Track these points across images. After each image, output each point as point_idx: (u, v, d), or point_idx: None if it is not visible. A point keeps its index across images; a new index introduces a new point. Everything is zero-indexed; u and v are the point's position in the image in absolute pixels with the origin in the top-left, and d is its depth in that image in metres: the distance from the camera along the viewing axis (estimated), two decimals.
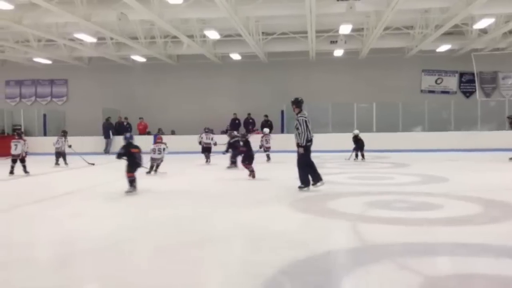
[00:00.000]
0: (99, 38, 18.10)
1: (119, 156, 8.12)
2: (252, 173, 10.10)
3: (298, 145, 8.21)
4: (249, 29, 16.51)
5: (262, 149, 14.66)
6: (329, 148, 18.02)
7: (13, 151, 11.26)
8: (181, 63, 22.02)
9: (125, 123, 21.09)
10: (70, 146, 13.60)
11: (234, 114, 21.23)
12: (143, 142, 19.14)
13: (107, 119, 20.42)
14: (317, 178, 8.12)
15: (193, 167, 13.44)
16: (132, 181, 8.03)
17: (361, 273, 3.76)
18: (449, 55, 20.61)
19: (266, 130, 15.72)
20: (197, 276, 3.78)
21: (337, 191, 8.10)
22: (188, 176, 11.53)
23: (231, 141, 12.41)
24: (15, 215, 6.64)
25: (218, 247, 4.66)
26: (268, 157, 14.86)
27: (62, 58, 20.65)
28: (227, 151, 12.39)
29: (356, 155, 14.76)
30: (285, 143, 18.87)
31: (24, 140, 11.61)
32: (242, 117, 21.24)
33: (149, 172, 10.72)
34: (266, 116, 20.68)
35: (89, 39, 17.25)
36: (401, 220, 5.69)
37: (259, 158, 14.57)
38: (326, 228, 5.46)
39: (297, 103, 8.70)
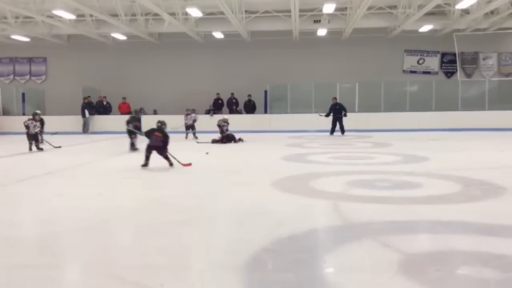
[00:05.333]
0: (78, 15, 17.65)
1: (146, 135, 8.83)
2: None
3: None
4: (231, 7, 16.29)
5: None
6: (312, 128, 18.14)
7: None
8: (163, 42, 21.67)
9: (104, 103, 20.80)
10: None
11: (217, 94, 21.08)
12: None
13: (84, 98, 20.09)
14: None
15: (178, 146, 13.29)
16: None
17: (343, 251, 3.82)
18: (431, 35, 20.70)
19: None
20: (180, 254, 3.79)
21: (319, 171, 8.16)
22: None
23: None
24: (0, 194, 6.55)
25: (203, 225, 4.67)
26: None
27: (41, 35, 20.13)
28: None
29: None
30: (267, 123, 19.01)
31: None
32: (225, 97, 21.11)
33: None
34: (249, 96, 20.60)
35: (68, 16, 16.81)
36: (382, 198, 5.76)
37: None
38: (308, 206, 5.51)
39: None
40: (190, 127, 15.81)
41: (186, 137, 15.68)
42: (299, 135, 17.02)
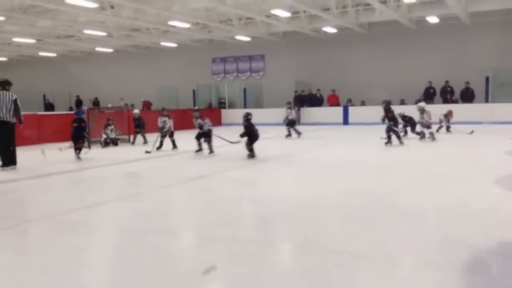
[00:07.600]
0: (293, 12, 18.74)
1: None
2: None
3: None
4: None
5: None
6: None
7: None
8: (373, 31, 21.35)
9: (318, 95, 21.67)
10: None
11: (429, 82, 19.83)
12: (335, 114, 19.50)
13: (295, 92, 21.29)
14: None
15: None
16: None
17: None
18: None
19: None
20: (390, 246, 3.71)
21: None
22: (367, 147, 11.18)
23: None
24: (220, 179, 7.47)
25: (415, 221, 4.46)
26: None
27: (260, 34, 21.99)
28: None
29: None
30: (489, 113, 17.05)
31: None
32: (438, 86, 19.72)
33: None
34: (467, 83, 18.82)
35: (283, 14, 17.99)
36: None
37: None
38: None
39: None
40: (291, 123, 14.17)
41: (289, 135, 14.01)
42: None
